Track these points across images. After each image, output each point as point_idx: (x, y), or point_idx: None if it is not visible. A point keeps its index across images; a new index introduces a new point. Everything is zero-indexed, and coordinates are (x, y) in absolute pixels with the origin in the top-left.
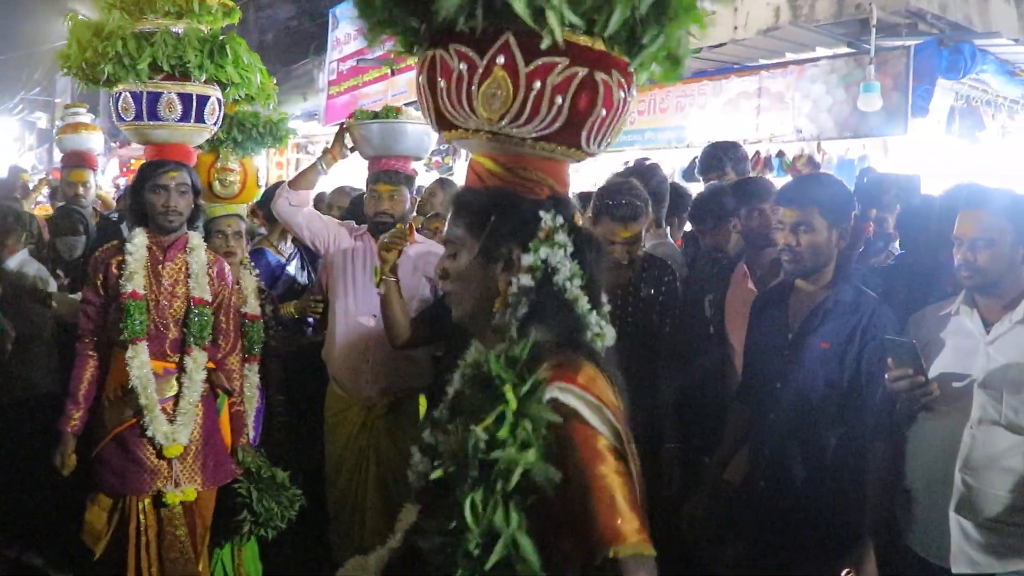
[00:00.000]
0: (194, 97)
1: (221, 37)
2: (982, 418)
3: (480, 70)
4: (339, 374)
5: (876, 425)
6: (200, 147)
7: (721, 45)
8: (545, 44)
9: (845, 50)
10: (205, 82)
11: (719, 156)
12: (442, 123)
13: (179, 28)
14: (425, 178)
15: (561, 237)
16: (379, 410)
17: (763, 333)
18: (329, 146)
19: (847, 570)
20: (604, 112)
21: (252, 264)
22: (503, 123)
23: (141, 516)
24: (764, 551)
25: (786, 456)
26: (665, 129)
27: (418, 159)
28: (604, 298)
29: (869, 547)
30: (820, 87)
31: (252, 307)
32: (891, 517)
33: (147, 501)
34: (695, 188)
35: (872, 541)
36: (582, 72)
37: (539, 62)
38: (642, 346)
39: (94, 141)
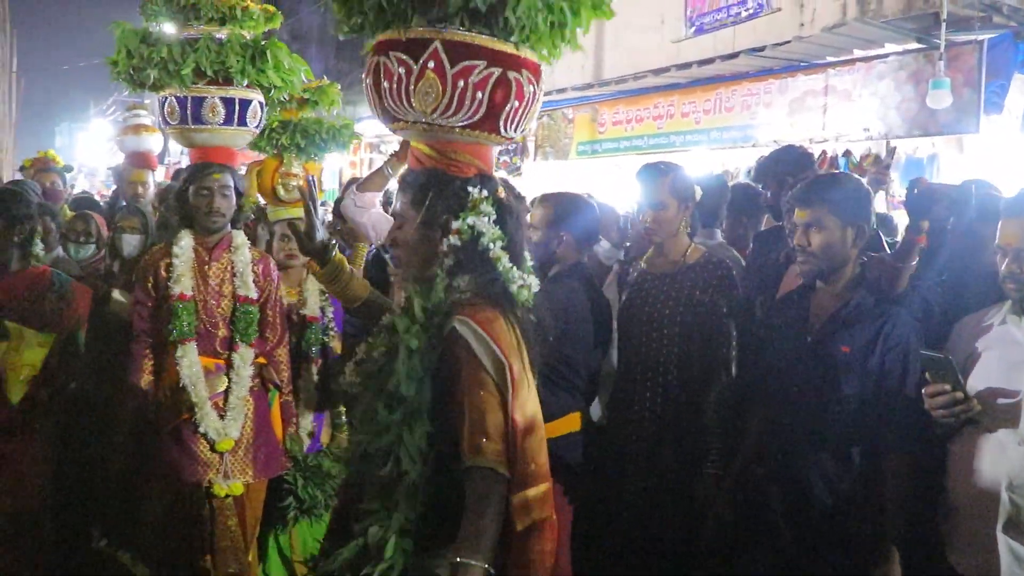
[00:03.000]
0: (237, 101)
1: (263, 42)
2: None
3: (415, 72)
4: None
5: (900, 435)
6: (264, 152)
7: (786, 43)
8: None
9: (914, 46)
10: (247, 86)
11: (772, 164)
12: (386, 116)
13: (222, 34)
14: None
15: (486, 207)
16: None
17: (782, 336)
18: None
19: None
20: (517, 103)
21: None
22: (435, 115)
23: (196, 507)
24: (785, 561)
25: (801, 463)
26: (731, 128)
27: None
28: (527, 254)
29: (894, 561)
30: (888, 84)
31: (312, 308)
32: (929, 533)
33: (201, 493)
34: None
35: (897, 554)
36: (497, 72)
37: (462, 64)
38: (693, 353)
39: (153, 142)
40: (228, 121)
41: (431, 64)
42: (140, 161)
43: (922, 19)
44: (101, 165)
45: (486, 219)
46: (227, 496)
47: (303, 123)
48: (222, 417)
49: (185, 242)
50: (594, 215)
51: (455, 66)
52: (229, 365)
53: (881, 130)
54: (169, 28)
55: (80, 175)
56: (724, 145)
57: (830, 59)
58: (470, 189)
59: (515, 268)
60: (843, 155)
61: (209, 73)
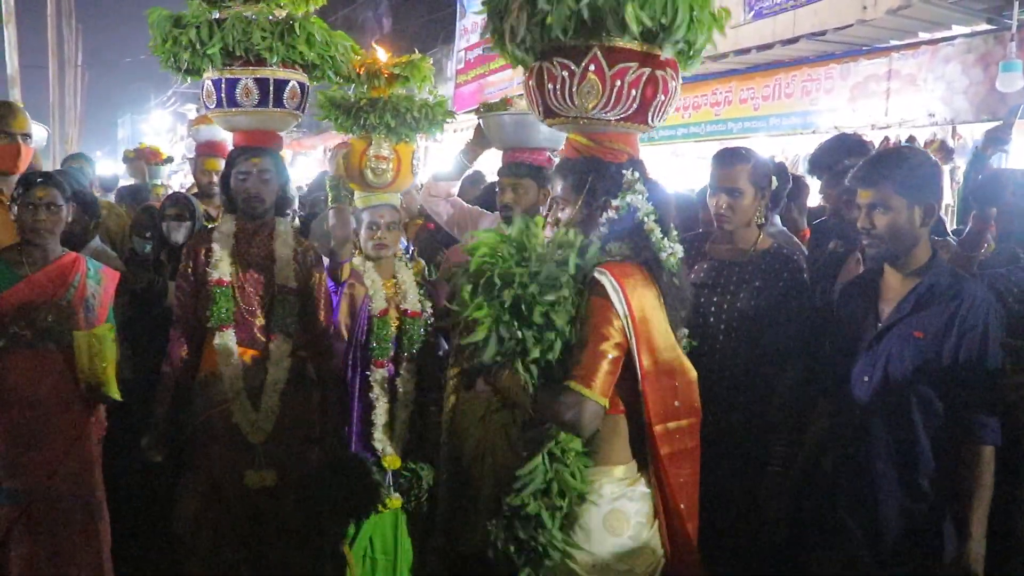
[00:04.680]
0: (271, 82)
1: (293, 20)
2: None
3: (578, 75)
4: None
5: (979, 425)
6: (351, 133)
7: (848, 27)
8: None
9: (984, 27)
10: (284, 66)
11: (828, 152)
12: (548, 113)
13: (251, 13)
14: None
15: (639, 187)
16: (495, 404)
17: (849, 323)
18: (471, 139)
19: None
20: (663, 97)
21: (408, 257)
22: (595, 111)
23: (229, 498)
24: (855, 561)
25: (872, 457)
26: (791, 115)
27: (553, 150)
28: (674, 228)
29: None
30: (955, 67)
31: (411, 303)
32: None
33: (235, 483)
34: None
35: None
36: (647, 71)
37: (619, 67)
38: (761, 345)
39: (225, 132)
40: (263, 103)
41: (592, 67)
42: (213, 150)
43: None
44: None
45: (640, 197)
46: (260, 487)
47: (393, 100)
48: (256, 409)
49: (226, 227)
50: None
51: (612, 68)
52: (266, 355)
53: (947, 115)
54: (202, 10)
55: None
56: (783, 132)
57: (894, 42)
58: (624, 172)
59: (665, 238)
60: (907, 141)
61: (239, 53)
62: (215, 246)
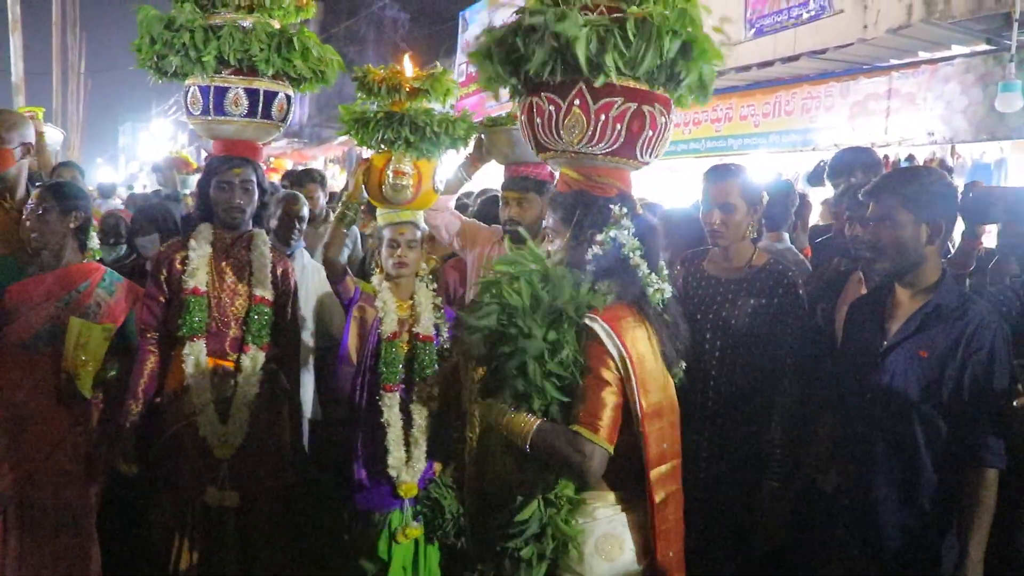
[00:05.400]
0: (261, 93)
1: (291, 32)
2: None
3: (563, 109)
4: None
5: (983, 448)
6: (370, 147)
7: (849, 45)
8: (600, 84)
9: (983, 47)
10: (275, 78)
11: (851, 161)
12: (539, 148)
13: (248, 22)
14: None
15: (626, 222)
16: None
17: (856, 340)
18: (471, 153)
19: None
20: (651, 132)
21: (431, 279)
22: (580, 145)
23: (195, 517)
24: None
25: (875, 474)
26: (790, 132)
27: None
28: (662, 263)
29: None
30: (954, 87)
31: (424, 327)
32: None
33: (199, 502)
34: (821, 193)
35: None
36: (633, 106)
37: (603, 101)
38: (756, 360)
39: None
40: (251, 113)
41: (577, 102)
42: None
43: (992, 19)
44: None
45: (626, 232)
46: (222, 507)
47: (411, 114)
48: (224, 422)
49: (203, 236)
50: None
51: (597, 103)
52: (238, 368)
53: (946, 134)
54: (194, 15)
55: (142, 173)
56: (783, 149)
57: (893, 61)
58: (612, 207)
59: (652, 274)
60: (906, 160)
61: (232, 62)
62: (192, 255)
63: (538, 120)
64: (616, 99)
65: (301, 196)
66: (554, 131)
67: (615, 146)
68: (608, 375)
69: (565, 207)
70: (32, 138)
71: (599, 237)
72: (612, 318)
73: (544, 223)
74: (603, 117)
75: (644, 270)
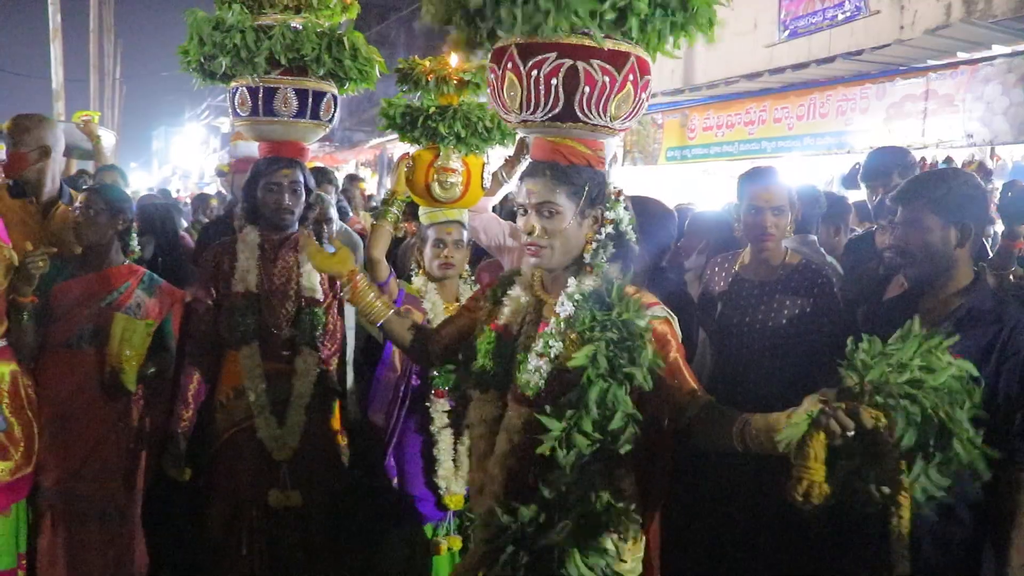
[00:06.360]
0: (310, 93)
1: (339, 31)
2: None
3: (499, 75)
4: None
5: (1022, 452)
6: (417, 143)
7: (886, 46)
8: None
9: None
10: (322, 78)
11: (886, 163)
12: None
13: (297, 23)
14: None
15: (622, 198)
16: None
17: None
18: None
19: None
20: (588, 89)
21: (474, 281)
22: (525, 114)
23: (254, 521)
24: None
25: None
26: (825, 135)
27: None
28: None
29: None
30: (995, 88)
31: None
32: None
33: (260, 505)
34: (856, 195)
35: None
36: (567, 63)
37: (537, 58)
38: (793, 362)
39: None
40: (300, 114)
41: (509, 65)
42: (249, 166)
43: None
44: (194, 167)
45: (622, 207)
46: (286, 508)
47: (464, 108)
48: (281, 425)
49: (251, 238)
50: (668, 224)
51: (528, 62)
52: (292, 370)
53: (986, 136)
54: (243, 16)
55: (175, 176)
56: (818, 152)
57: (931, 62)
58: (609, 183)
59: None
60: (943, 162)
61: (283, 62)
62: (240, 257)
63: (487, 90)
64: (549, 55)
65: (327, 197)
66: (499, 101)
67: (556, 110)
68: (682, 350)
69: (574, 182)
70: (51, 140)
71: (609, 215)
72: (655, 301)
73: (534, 198)
74: (536, 73)
75: (635, 247)
